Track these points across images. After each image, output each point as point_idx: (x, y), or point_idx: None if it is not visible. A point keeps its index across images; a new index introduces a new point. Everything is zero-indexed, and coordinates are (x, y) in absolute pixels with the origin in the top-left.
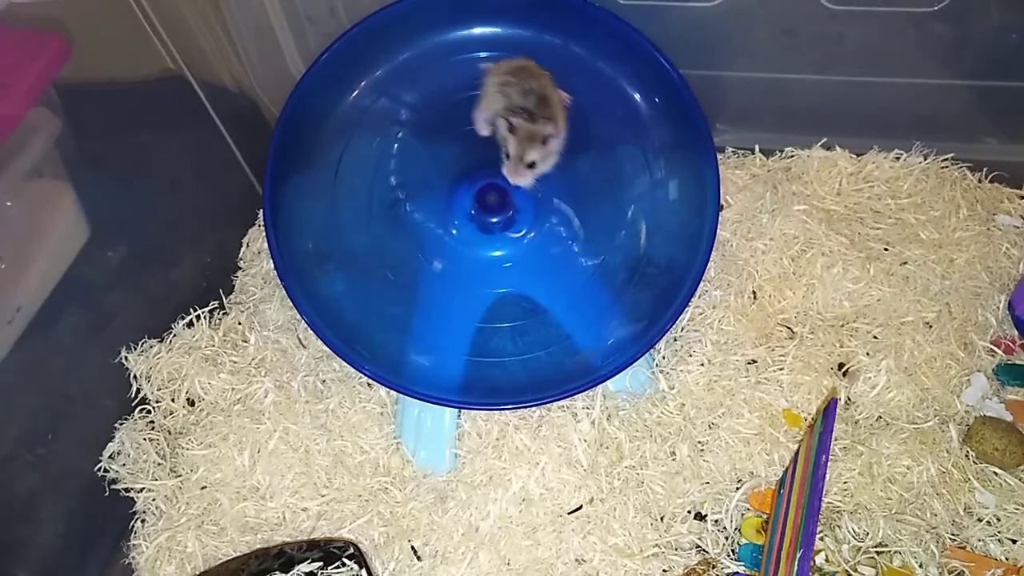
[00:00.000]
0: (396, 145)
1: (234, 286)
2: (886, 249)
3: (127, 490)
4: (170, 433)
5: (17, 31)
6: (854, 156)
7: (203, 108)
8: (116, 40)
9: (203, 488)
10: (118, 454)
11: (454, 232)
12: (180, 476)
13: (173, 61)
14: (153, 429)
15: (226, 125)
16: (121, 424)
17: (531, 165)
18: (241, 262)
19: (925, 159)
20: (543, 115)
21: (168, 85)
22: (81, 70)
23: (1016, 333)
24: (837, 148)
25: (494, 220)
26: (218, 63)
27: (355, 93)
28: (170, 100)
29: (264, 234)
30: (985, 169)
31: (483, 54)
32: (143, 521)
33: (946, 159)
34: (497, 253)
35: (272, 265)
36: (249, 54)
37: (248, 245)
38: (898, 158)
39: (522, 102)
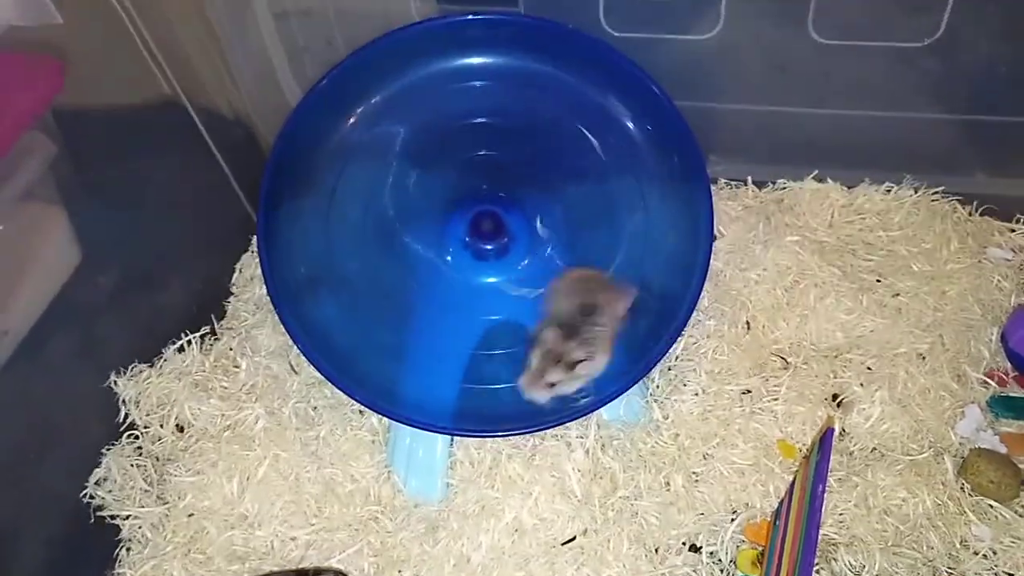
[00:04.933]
0: (391, 172)
1: (226, 312)
2: (878, 281)
3: (113, 517)
4: (158, 459)
5: (14, 54)
6: (845, 188)
7: (199, 134)
8: (114, 66)
9: (190, 516)
10: (104, 480)
11: (448, 259)
12: (167, 503)
13: (170, 87)
14: (141, 455)
15: (222, 152)
16: (108, 450)
17: (552, 384)
18: (234, 288)
19: (916, 192)
20: (583, 336)
21: (165, 111)
22: (78, 95)
23: (1009, 365)
24: (829, 180)
25: (488, 247)
26: (215, 90)
27: (350, 121)
28: (166, 126)
29: (257, 260)
30: (975, 202)
31: (477, 83)
32: (128, 549)
33: (936, 192)
34: (491, 280)
35: (265, 291)
36: (246, 82)
37: (241, 271)
38: (889, 191)
39: (568, 317)
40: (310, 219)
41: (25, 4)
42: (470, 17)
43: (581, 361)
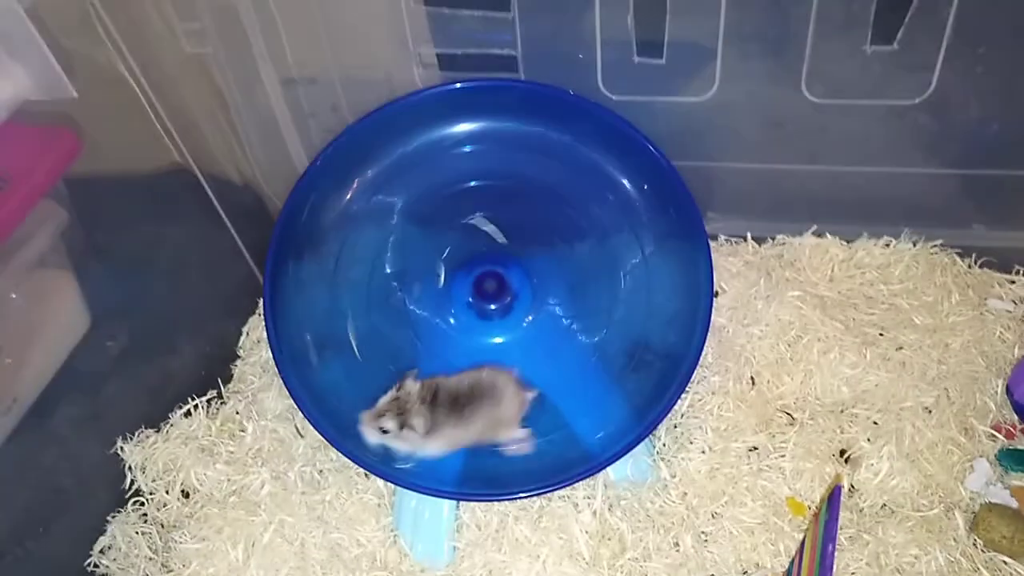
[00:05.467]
0: (393, 236)
1: (233, 375)
2: (881, 334)
3: None
4: (163, 526)
5: (31, 128)
6: (845, 243)
7: (208, 200)
8: (126, 135)
9: None
10: (109, 548)
11: (452, 320)
12: (172, 571)
13: (181, 155)
14: (146, 522)
15: (230, 217)
16: (114, 517)
17: (382, 431)
18: (240, 351)
19: (914, 245)
20: (433, 413)
21: (175, 178)
22: (90, 163)
23: (1016, 417)
24: (828, 235)
25: (492, 307)
26: (224, 157)
27: (354, 186)
28: (176, 193)
29: (264, 323)
30: (974, 254)
31: (477, 147)
32: None
33: (935, 245)
34: (496, 340)
35: (271, 354)
36: (254, 148)
37: (248, 334)
38: (888, 244)
39: (444, 387)
40: (315, 284)
41: (41, 79)
42: (473, 85)
43: (411, 428)
